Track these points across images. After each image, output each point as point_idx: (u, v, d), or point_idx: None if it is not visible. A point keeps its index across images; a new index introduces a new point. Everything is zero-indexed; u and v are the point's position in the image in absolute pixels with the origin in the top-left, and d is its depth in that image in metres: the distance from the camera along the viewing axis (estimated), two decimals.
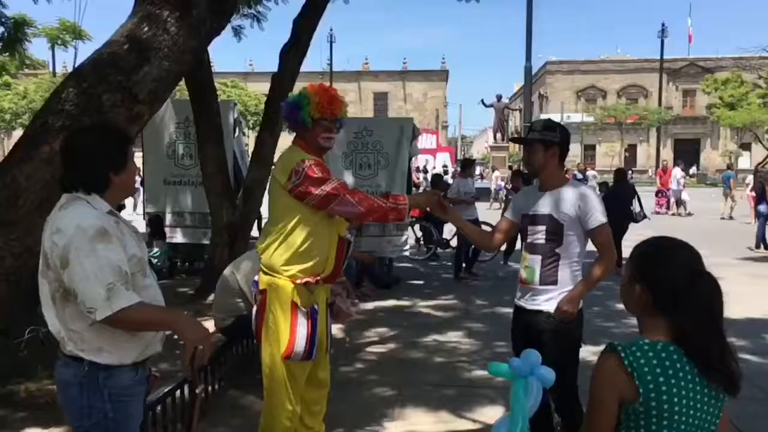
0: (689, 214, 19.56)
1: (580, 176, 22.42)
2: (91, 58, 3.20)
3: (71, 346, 2.08)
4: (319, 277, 3.08)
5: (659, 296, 1.62)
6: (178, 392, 3.69)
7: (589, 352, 5.62)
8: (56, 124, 2.97)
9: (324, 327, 3.21)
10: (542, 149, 3.18)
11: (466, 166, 10.49)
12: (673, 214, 19.84)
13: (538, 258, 3.21)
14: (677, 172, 20.70)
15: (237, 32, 10.55)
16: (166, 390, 3.56)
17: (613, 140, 51.54)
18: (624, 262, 1.87)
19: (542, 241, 3.20)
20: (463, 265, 9.46)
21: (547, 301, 3.19)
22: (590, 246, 3.26)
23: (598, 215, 3.13)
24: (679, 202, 20.10)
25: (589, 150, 54.01)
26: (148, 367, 2.27)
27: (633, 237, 1.83)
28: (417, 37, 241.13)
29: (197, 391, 2.29)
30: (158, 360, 3.44)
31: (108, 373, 2.09)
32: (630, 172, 40.65)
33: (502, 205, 17.78)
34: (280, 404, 3.12)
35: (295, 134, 3.17)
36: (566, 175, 3.35)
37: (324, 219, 3.05)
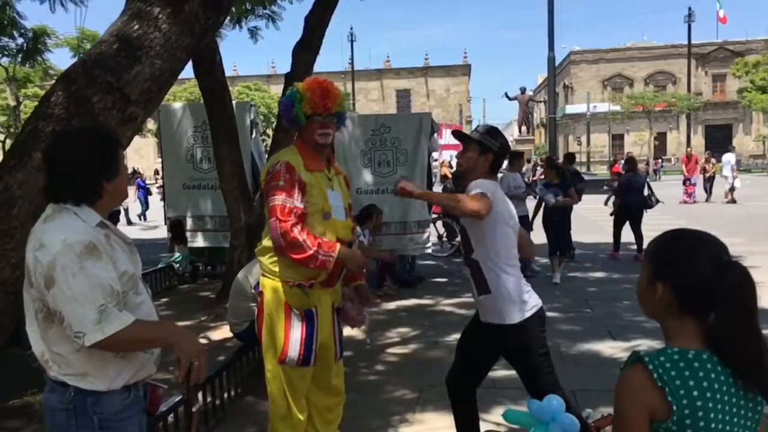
0: (732, 201, 18.97)
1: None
2: (80, 59, 3.13)
3: (55, 370, 1.93)
4: (313, 281, 2.93)
5: (685, 294, 1.43)
6: (171, 415, 3.52)
7: (618, 349, 5.48)
8: (46, 129, 2.88)
9: (329, 332, 3.06)
10: (478, 151, 3.09)
11: (515, 159, 9.47)
12: (729, 201, 19.22)
13: (468, 270, 3.13)
14: (731, 158, 20.10)
15: (253, 34, 10.46)
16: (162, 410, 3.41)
17: (641, 129, 50.63)
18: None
19: (465, 251, 3.14)
20: None
21: (492, 313, 3.04)
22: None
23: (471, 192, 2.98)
24: (732, 189, 19.53)
25: (617, 139, 53.24)
26: (143, 384, 2.10)
27: (666, 227, 1.65)
28: (438, 32, 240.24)
29: (194, 409, 2.13)
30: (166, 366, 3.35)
31: (96, 398, 1.93)
32: (660, 160, 40.15)
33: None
34: (283, 411, 3.01)
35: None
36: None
37: (316, 220, 2.89)
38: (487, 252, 3.01)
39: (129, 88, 2.98)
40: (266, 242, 2.98)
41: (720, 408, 1.38)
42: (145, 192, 20.32)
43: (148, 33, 3.03)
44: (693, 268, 1.43)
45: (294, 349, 2.91)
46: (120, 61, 2.98)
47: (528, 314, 3.01)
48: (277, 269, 2.93)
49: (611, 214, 10.45)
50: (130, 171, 28.29)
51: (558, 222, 8.56)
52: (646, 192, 10.12)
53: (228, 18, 9.54)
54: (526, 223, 7.97)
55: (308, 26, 7.11)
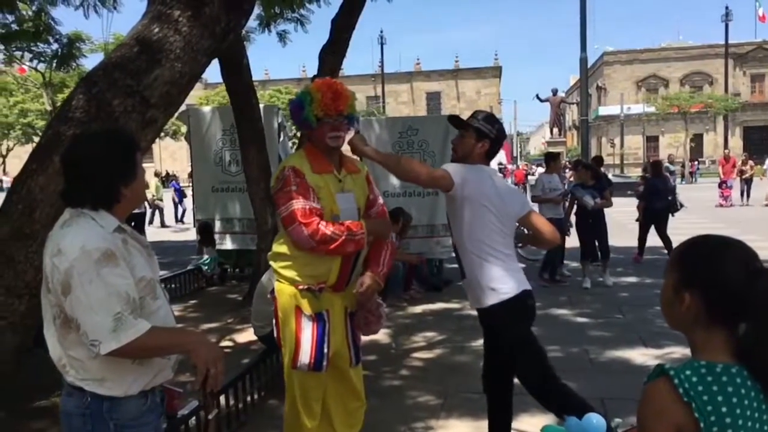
0: None
1: (672, 168, 21.36)
2: (101, 63, 3.15)
3: (72, 375, 1.92)
4: (323, 284, 2.90)
5: (714, 303, 1.35)
6: (192, 419, 3.51)
7: (649, 356, 5.34)
8: (67, 133, 2.90)
9: (342, 336, 3.02)
10: (474, 138, 3.09)
11: (551, 160, 9.34)
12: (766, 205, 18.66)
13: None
14: None
15: (282, 37, 10.50)
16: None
17: (677, 130, 49.55)
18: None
19: (451, 236, 3.27)
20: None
21: (470, 298, 3.15)
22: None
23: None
24: None
25: (652, 141, 52.32)
26: (160, 389, 2.09)
27: (701, 230, 1.53)
28: (469, 34, 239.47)
29: (210, 416, 2.11)
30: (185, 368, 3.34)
31: (112, 403, 1.92)
32: (696, 162, 39.37)
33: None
34: (297, 414, 2.98)
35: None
36: None
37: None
38: (460, 236, 3.05)
39: (149, 92, 2.99)
40: (277, 247, 2.96)
41: (750, 425, 1.29)
42: (180, 194, 20.67)
43: (168, 36, 3.04)
44: (722, 275, 1.35)
45: (305, 354, 2.88)
46: (140, 64, 2.99)
47: (498, 299, 2.99)
48: (287, 273, 2.92)
49: (636, 220, 10.29)
50: (163, 174, 28.83)
51: (592, 225, 8.36)
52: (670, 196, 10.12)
53: (257, 22, 9.61)
54: (561, 226, 7.79)
55: (335, 29, 7.11)
